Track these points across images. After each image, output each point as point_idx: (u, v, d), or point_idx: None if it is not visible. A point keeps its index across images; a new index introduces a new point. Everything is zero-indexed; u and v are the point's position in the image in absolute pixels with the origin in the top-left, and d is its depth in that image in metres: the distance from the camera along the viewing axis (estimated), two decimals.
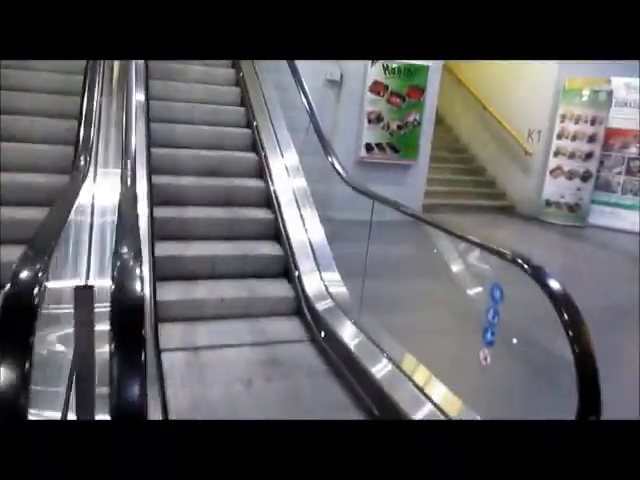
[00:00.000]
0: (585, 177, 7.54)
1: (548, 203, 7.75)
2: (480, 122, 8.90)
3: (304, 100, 4.11)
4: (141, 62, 4.49)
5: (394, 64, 6.20)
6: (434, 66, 6.47)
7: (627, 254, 6.31)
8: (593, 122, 7.39)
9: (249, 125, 4.74)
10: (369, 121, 6.29)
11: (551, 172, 7.70)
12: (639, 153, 7.51)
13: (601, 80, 7.35)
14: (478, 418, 2.24)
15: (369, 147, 6.37)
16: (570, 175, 7.56)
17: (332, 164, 3.64)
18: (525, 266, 1.88)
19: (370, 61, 6.12)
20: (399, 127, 6.41)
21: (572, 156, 7.52)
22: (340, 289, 3.60)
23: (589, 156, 7.48)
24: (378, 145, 6.39)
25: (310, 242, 3.85)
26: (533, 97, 7.88)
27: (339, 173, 3.59)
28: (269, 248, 3.85)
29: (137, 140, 3.14)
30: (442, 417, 2.29)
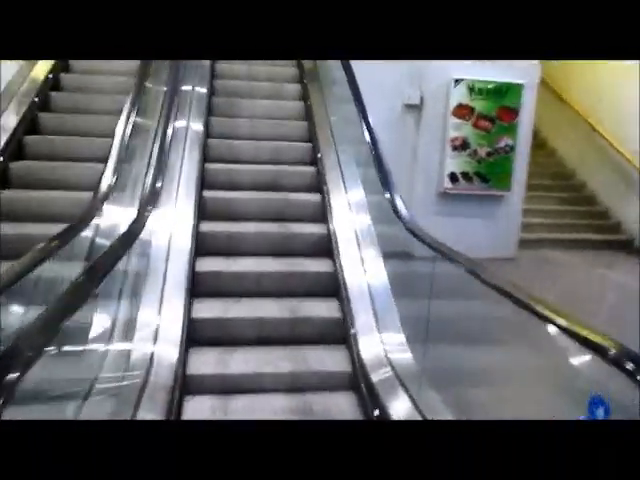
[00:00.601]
0: None
1: None
2: (589, 144, 7.85)
3: (366, 131, 3.56)
4: None
5: (480, 84, 5.51)
6: (529, 83, 5.69)
7: None
8: None
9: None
10: (454, 148, 5.62)
11: None
12: None
13: None
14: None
15: (454, 177, 5.68)
16: None
17: (391, 202, 3.04)
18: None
19: (453, 82, 5.48)
20: (489, 154, 5.68)
21: None
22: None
23: None
24: (464, 174, 5.69)
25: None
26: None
27: (397, 213, 2.97)
28: None
29: None
30: None
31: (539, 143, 9.11)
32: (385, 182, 3.18)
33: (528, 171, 7.98)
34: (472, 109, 5.55)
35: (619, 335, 1.72)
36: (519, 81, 5.60)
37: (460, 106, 5.54)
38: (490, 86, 5.53)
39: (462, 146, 5.62)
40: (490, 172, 5.72)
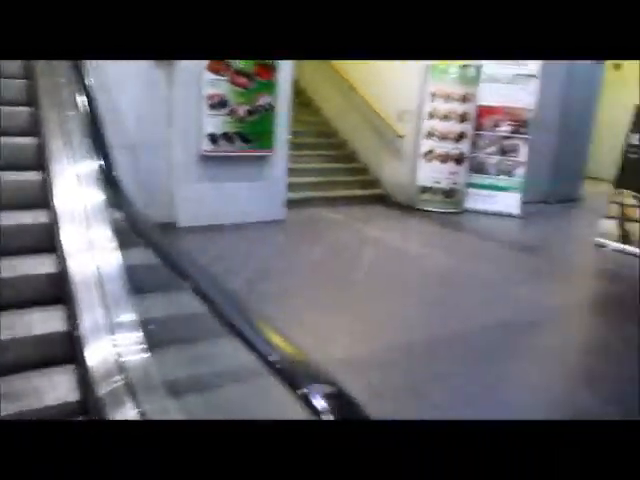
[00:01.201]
0: (459, 160, 7.00)
1: (423, 189, 7.14)
2: (350, 104, 8.11)
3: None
4: None
5: None
6: None
7: (500, 242, 5.80)
8: (464, 100, 6.84)
9: None
10: (211, 107, 5.19)
11: (424, 156, 7.08)
12: (511, 131, 7.09)
13: None
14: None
15: (214, 138, 5.28)
16: (443, 158, 6.99)
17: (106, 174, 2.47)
18: None
19: None
20: (249, 112, 5.38)
21: (444, 138, 6.94)
22: None
23: (461, 137, 6.95)
24: (225, 135, 5.32)
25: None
26: (402, 75, 7.19)
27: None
28: None
29: None
30: None
31: (305, 102, 9.20)
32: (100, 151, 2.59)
33: (294, 130, 8.05)
34: (228, 64, 5.15)
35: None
36: None
37: (214, 60, 5.09)
38: None
39: (220, 104, 5.22)
40: (252, 132, 5.45)
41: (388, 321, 3.57)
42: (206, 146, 5.27)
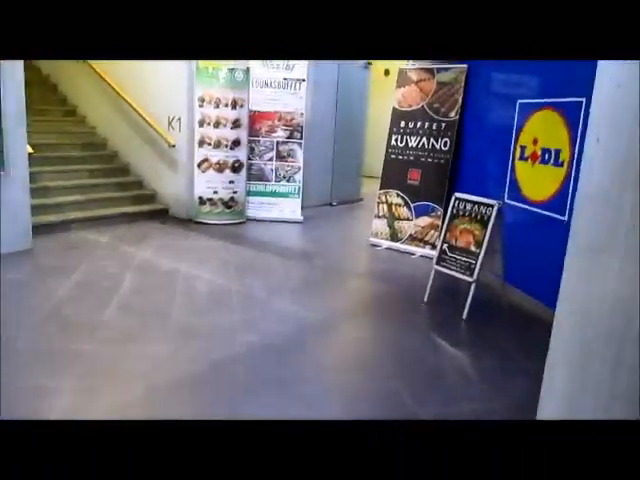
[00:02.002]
0: (236, 167, 6.71)
1: (202, 201, 6.70)
2: (119, 112, 7.34)
3: None
4: None
5: None
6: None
7: (278, 252, 5.63)
8: (235, 105, 6.56)
9: None
10: None
11: (199, 165, 6.65)
12: (287, 136, 7.01)
13: None
14: None
15: None
16: (220, 167, 6.64)
17: None
18: None
19: None
20: None
21: (218, 145, 6.58)
22: None
23: (236, 144, 6.66)
24: None
25: None
26: (169, 78, 6.67)
27: None
28: None
29: None
30: None
31: (70, 110, 8.19)
32: None
33: (59, 143, 7.04)
34: None
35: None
36: None
37: None
38: None
39: None
40: None
41: (124, 370, 3.04)
42: None
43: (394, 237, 5.84)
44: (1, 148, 4.65)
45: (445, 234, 4.15)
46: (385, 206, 5.92)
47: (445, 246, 4.13)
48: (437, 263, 4.19)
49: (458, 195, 4.13)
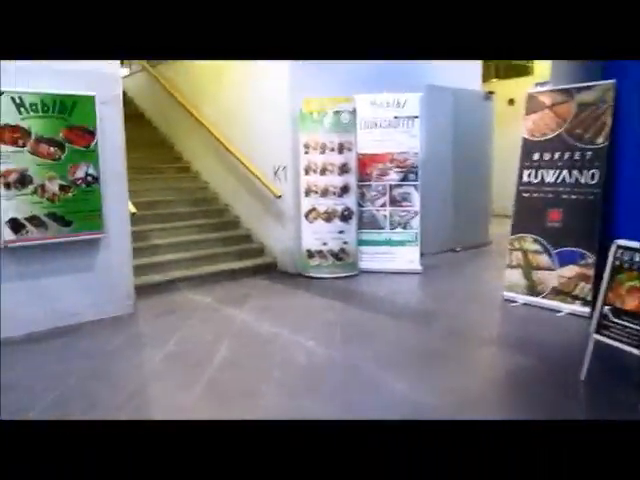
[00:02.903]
0: (346, 216, 6.16)
1: (310, 254, 6.21)
2: (228, 166, 7.21)
3: None
4: None
5: (33, 97, 4.11)
6: (105, 96, 4.52)
7: (392, 312, 4.89)
8: (341, 149, 6.06)
9: None
10: (7, 186, 4.08)
11: (306, 216, 6.19)
12: (400, 179, 6.36)
13: (342, 99, 6.08)
14: None
15: (16, 225, 4.14)
16: (328, 216, 6.13)
17: None
18: None
19: None
20: (63, 188, 4.30)
21: (326, 193, 6.09)
22: None
23: (345, 190, 6.12)
24: (32, 219, 4.20)
25: None
26: (273, 126, 6.39)
27: None
28: None
29: None
30: None
31: (184, 167, 8.27)
32: None
33: (173, 199, 7.03)
34: (26, 131, 4.10)
35: None
36: (89, 93, 4.37)
37: (6, 128, 4.03)
38: (47, 100, 4.16)
39: (21, 182, 4.13)
40: (70, 212, 4.35)
41: None
42: (8, 236, 4.12)
43: (532, 290, 4.86)
44: (99, 208, 4.49)
45: (606, 293, 3.18)
46: (519, 254, 4.97)
47: (607, 309, 3.16)
48: (597, 331, 3.22)
49: (621, 243, 3.16)
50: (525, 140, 5.07)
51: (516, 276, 4.99)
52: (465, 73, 7.78)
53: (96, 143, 4.43)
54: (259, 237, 6.90)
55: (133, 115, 9.42)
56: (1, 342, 4.09)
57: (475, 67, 8.11)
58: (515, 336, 4.20)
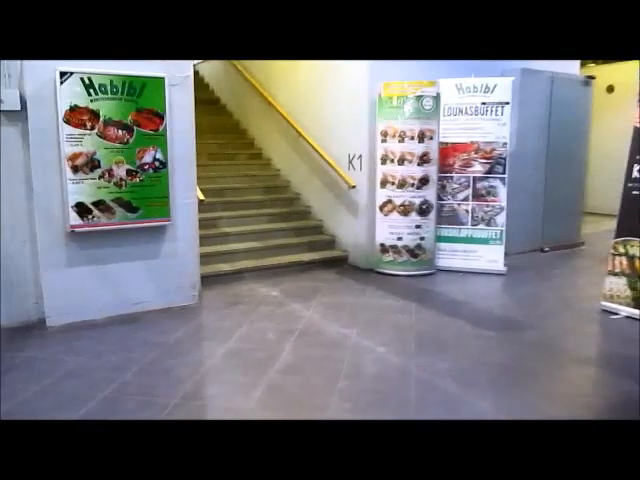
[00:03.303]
0: (424, 210, 5.72)
1: (384, 248, 5.83)
2: (300, 153, 6.95)
3: None
4: None
5: (103, 78, 3.98)
6: (177, 78, 4.33)
7: (474, 318, 4.42)
8: (422, 138, 5.61)
9: None
10: (74, 169, 3.99)
11: (381, 208, 5.81)
12: (486, 171, 5.83)
13: (425, 83, 5.62)
14: None
15: (83, 210, 4.05)
16: (405, 209, 5.71)
17: None
18: None
19: (59, 76, 3.86)
20: (131, 173, 4.17)
21: (403, 184, 5.68)
22: None
23: (424, 182, 5.68)
24: (99, 204, 4.10)
25: None
26: (349, 111, 6.03)
27: None
28: None
29: None
30: None
31: (256, 153, 8.10)
32: None
33: (244, 187, 6.86)
34: (95, 113, 3.99)
35: None
36: (159, 74, 4.19)
37: (75, 110, 3.93)
38: (117, 81, 4.02)
39: (89, 166, 4.02)
40: (137, 197, 4.22)
41: None
42: (74, 220, 4.03)
43: (639, 303, 4.24)
44: (167, 195, 4.33)
45: None
46: (624, 260, 4.36)
47: None
48: None
49: None
50: (636, 130, 4.41)
51: (619, 285, 4.39)
52: None
53: (165, 127, 4.26)
54: (330, 229, 6.59)
55: (209, 100, 9.38)
56: (66, 326, 4.04)
57: None
58: (618, 355, 3.64)
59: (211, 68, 9.86)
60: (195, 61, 12.73)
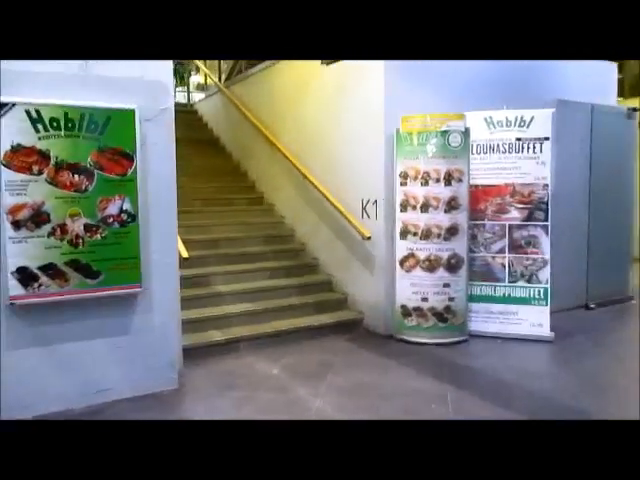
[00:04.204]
0: (453, 265, 4.79)
1: (406, 311, 4.88)
2: (307, 198, 6.10)
3: None
4: None
5: (53, 109, 3.15)
6: (156, 110, 3.52)
7: (521, 407, 3.43)
8: (449, 180, 4.74)
9: None
10: (16, 225, 3.12)
11: (401, 263, 4.89)
12: (524, 218, 4.93)
13: (451, 116, 4.79)
14: None
15: (27, 276, 3.16)
16: (430, 264, 4.79)
17: None
18: None
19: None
20: (90, 229, 3.30)
21: (428, 235, 4.77)
22: None
23: (453, 232, 4.78)
24: (47, 269, 3.21)
25: None
26: (363, 150, 5.21)
27: None
28: None
29: None
30: None
31: (257, 197, 7.27)
32: None
33: (241, 236, 5.98)
34: (44, 154, 3.15)
35: None
36: (128, 106, 3.37)
37: (18, 150, 3.09)
38: (73, 114, 3.20)
39: (35, 220, 3.16)
40: (98, 259, 3.34)
41: None
42: (15, 290, 3.14)
43: None
44: (137, 254, 3.45)
45: None
46: None
47: None
48: None
49: None
50: None
51: None
52: (599, 85, 6.27)
53: (135, 170, 3.40)
54: (342, 286, 5.66)
55: (207, 140, 8.65)
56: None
57: (610, 76, 6.54)
58: None
59: (210, 105, 9.16)
60: (183, 95, 12.14)
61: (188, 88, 10.72)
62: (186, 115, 9.43)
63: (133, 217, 3.43)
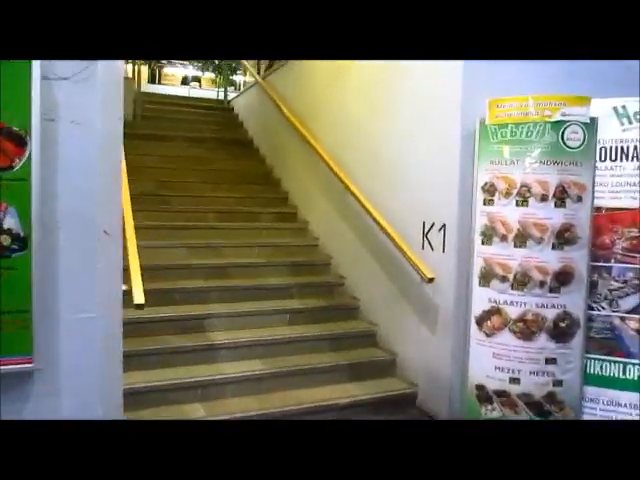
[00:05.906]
0: (562, 329, 3.10)
1: (484, 394, 3.21)
2: (349, 217, 4.56)
3: None
4: None
5: None
6: (79, 66, 2.09)
7: None
8: (562, 199, 3.07)
9: None
10: None
11: (480, 322, 3.24)
12: None
13: (569, 98, 3.12)
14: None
15: None
16: (526, 327, 3.11)
17: None
18: None
19: None
20: None
21: (525, 281, 3.10)
22: None
23: (564, 279, 3.09)
24: None
25: None
26: (427, 150, 3.62)
27: None
28: None
29: None
30: None
31: (289, 212, 5.81)
32: None
33: (263, 263, 4.52)
34: None
35: None
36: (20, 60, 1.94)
37: None
38: None
39: None
40: None
41: None
42: None
43: None
44: (27, 307, 2.00)
45: None
46: None
47: None
48: None
49: None
50: None
51: None
52: None
53: (28, 160, 1.97)
54: (388, 341, 4.06)
55: (240, 141, 7.29)
56: None
57: None
58: None
59: (246, 101, 7.81)
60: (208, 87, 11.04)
61: (226, 87, 9.49)
62: (221, 112, 8.19)
63: (22, 242, 1.99)
